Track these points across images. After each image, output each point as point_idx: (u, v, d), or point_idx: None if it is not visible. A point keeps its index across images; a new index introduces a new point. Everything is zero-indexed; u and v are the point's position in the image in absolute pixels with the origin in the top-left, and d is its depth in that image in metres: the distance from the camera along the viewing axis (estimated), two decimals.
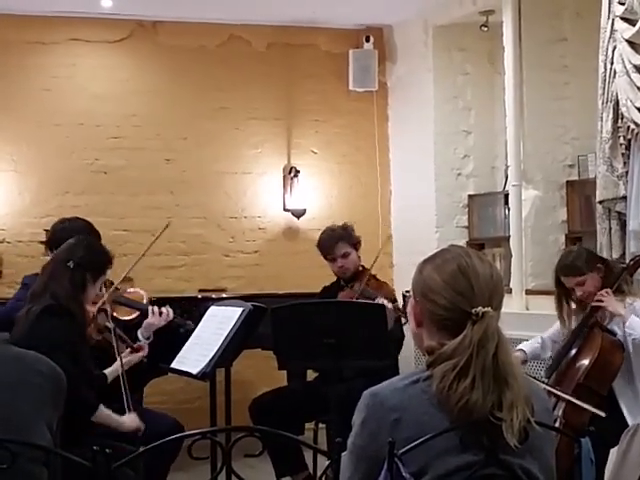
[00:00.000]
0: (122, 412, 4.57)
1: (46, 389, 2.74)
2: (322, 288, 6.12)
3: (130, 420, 4.57)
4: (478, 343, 2.19)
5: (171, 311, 5.29)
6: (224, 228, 8.26)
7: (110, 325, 4.85)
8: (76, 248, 4.60)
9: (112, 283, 5.38)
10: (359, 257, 5.99)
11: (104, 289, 5.22)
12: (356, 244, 5.97)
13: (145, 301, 5.48)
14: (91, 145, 7.93)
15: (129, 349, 4.96)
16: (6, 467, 2.46)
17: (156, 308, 5.25)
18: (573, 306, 5.04)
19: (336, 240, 5.90)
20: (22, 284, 5.51)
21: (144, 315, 5.30)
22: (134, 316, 5.43)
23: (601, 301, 4.81)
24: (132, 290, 5.56)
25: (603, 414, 4.58)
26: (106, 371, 4.83)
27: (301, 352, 4.89)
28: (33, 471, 2.62)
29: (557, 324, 5.20)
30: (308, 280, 7.40)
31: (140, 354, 4.99)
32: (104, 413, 4.53)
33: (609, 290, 4.82)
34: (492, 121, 8.20)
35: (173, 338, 5.11)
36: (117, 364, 4.89)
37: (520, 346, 5.16)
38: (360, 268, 5.97)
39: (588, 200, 6.82)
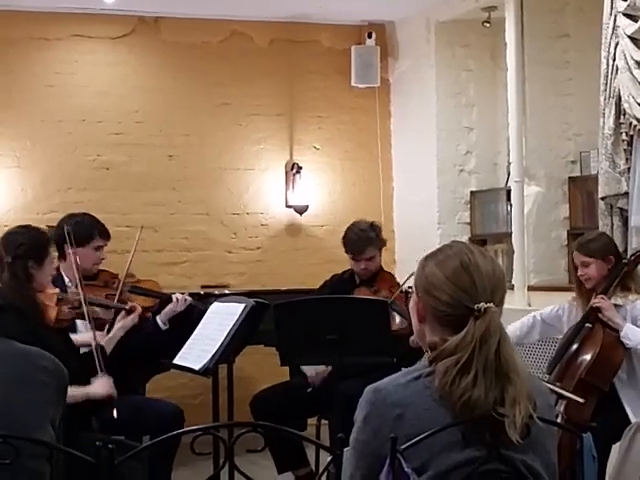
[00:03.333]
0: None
1: (49, 385, 2.75)
2: (332, 276, 6.07)
3: (99, 385, 4.36)
4: (480, 339, 2.19)
5: (189, 297, 5.50)
6: (226, 224, 8.26)
7: (81, 297, 4.78)
8: (10, 242, 4.39)
9: (116, 276, 5.41)
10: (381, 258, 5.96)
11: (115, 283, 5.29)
12: (382, 247, 5.88)
13: (160, 289, 5.61)
14: (93, 141, 7.93)
15: (123, 312, 5.00)
16: (9, 463, 2.47)
17: (179, 295, 5.44)
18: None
19: (367, 244, 5.75)
20: None
21: (163, 303, 5.40)
22: (151, 304, 5.48)
23: (600, 305, 4.81)
24: (145, 279, 5.66)
25: (580, 399, 4.62)
26: (102, 342, 4.85)
27: (303, 348, 4.90)
28: (36, 467, 2.63)
29: (556, 307, 5.19)
30: (311, 276, 7.41)
31: (134, 314, 5.03)
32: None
33: (605, 296, 4.84)
34: (494, 117, 8.20)
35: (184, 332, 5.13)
36: (113, 331, 4.94)
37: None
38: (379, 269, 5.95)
39: (590, 196, 6.83)
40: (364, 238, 5.79)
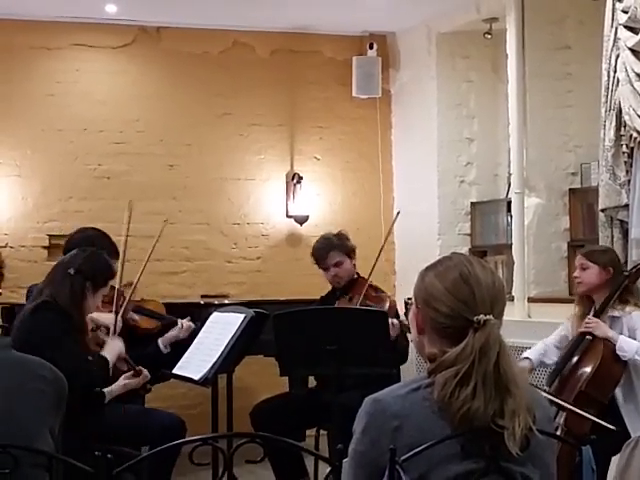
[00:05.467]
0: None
1: (48, 394, 2.74)
2: (320, 298, 6.09)
3: (110, 348, 4.75)
4: (480, 351, 2.19)
5: (191, 324, 5.46)
6: (227, 234, 8.26)
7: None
8: (79, 257, 4.63)
9: (122, 292, 5.40)
10: (354, 265, 5.94)
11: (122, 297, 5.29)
12: (350, 252, 5.90)
13: (164, 311, 5.60)
14: (94, 150, 7.94)
15: (132, 372, 4.97)
16: (9, 472, 2.46)
17: (184, 322, 5.42)
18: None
19: (328, 249, 5.84)
20: (28, 293, 5.48)
21: (166, 325, 5.39)
22: (154, 326, 5.48)
23: (588, 328, 4.83)
24: (150, 299, 5.66)
25: (611, 427, 4.59)
26: (105, 390, 4.83)
27: (303, 359, 4.90)
28: (35, 476, 2.63)
29: (559, 329, 5.21)
30: (310, 286, 7.39)
31: (138, 379, 4.99)
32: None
33: (593, 318, 4.85)
34: (495, 129, 8.21)
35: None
36: (117, 384, 4.91)
37: (525, 354, 5.16)
38: (355, 276, 5.94)
39: (590, 208, 6.83)
40: (325, 244, 5.90)
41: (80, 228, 5.60)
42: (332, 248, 5.86)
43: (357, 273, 5.94)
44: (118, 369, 4.95)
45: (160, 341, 5.34)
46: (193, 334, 5.14)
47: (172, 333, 5.39)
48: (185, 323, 5.44)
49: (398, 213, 6.21)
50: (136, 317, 5.46)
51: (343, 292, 5.87)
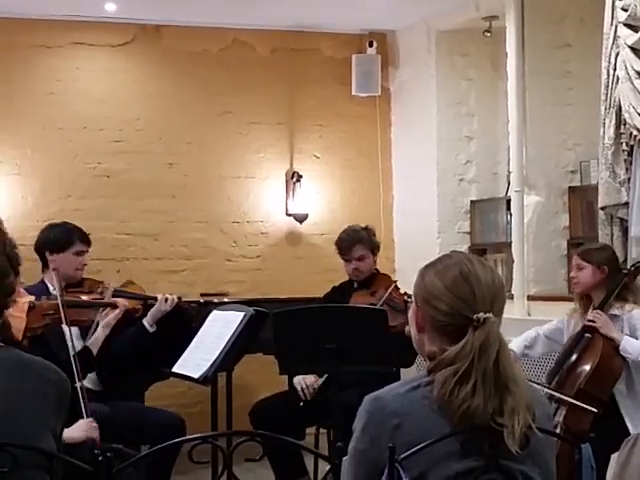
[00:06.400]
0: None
1: (50, 396, 2.73)
2: (332, 288, 6.09)
3: (76, 428, 4.01)
4: (479, 349, 2.19)
5: (176, 297, 5.43)
6: (226, 232, 8.26)
7: (58, 301, 4.62)
8: None
9: (101, 282, 5.38)
10: (375, 261, 5.97)
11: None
12: (374, 248, 5.93)
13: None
14: (94, 149, 7.93)
15: (107, 309, 4.94)
16: (7, 471, 2.45)
17: (165, 295, 5.37)
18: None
19: (355, 242, 5.84)
20: None
21: (149, 306, 5.36)
22: (136, 305, 5.45)
23: (594, 322, 4.83)
24: (132, 284, 5.63)
25: (593, 409, 4.62)
26: (88, 342, 4.80)
27: (302, 357, 4.90)
28: (35, 477, 2.62)
29: (556, 321, 5.21)
30: (310, 285, 7.40)
31: (116, 311, 4.98)
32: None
33: (600, 312, 4.84)
34: (495, 127, 8.20)
35: (177, 337, 5.10)
36: (97, 332, 4.89)
37: (510, 345, 5.13)
38: (374, 272, 5.95)
39: (590, 206, 6.82)
40: (353, 237, 5.88)
41: (50, 223, 5.53)
42: (359, 241, 5.86)
43: (376, 269, 5.96)
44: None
45: (144, 320, 5.32)
46: (192, 331, 5.13)
47: (155, 308, 5.35)
48: (165, 296, 5.39)
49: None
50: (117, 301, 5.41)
51: (363, 285, 5.87)
